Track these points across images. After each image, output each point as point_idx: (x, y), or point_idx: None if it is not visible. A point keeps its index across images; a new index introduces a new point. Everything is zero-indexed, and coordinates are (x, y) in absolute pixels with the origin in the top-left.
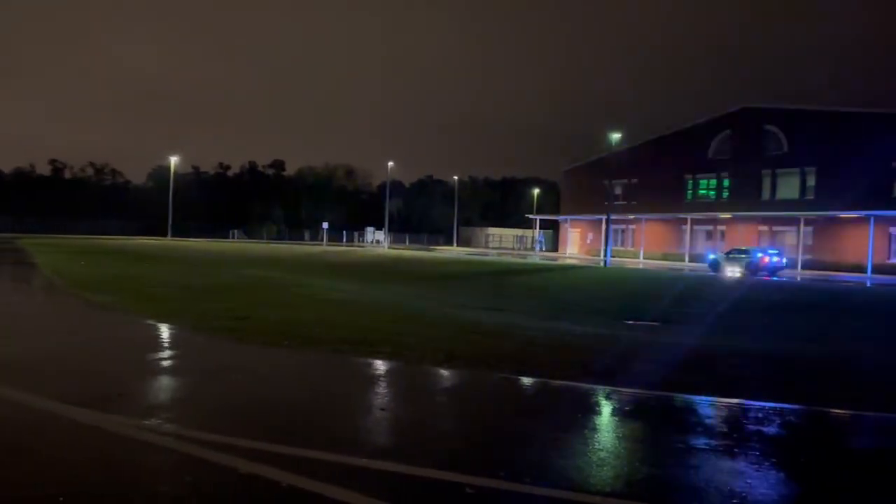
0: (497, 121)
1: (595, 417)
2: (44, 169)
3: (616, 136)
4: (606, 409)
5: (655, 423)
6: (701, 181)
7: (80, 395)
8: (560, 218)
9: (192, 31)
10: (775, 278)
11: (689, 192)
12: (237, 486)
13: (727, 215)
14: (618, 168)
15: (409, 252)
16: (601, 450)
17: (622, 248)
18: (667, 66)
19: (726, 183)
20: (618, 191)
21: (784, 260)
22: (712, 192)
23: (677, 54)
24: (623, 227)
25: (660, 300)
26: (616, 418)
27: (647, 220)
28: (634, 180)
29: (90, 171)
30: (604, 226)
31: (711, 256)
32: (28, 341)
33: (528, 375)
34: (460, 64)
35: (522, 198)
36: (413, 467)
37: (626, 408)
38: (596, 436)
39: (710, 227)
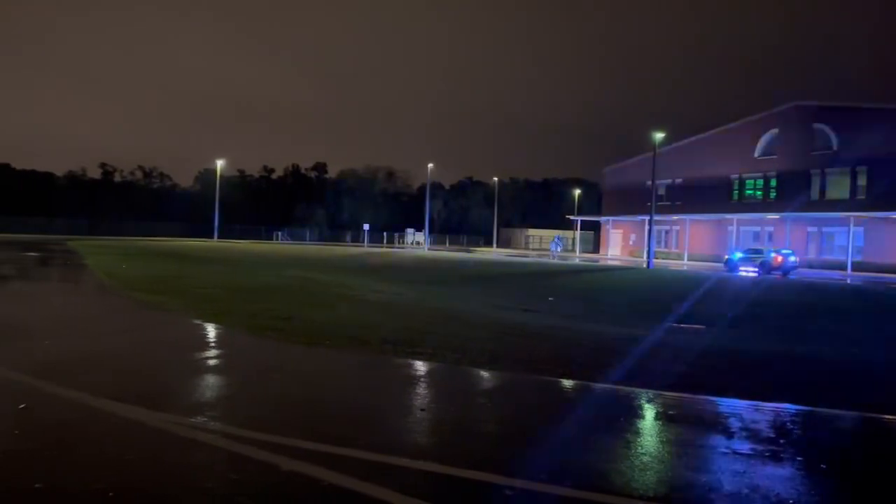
0: (538, 122)
1: (637, 421)
2: (94, 172)
3: (659, 136)
4: (649, 412)
5: (699, 428)
6: (747, 181)
7: (130, 392)
8: (602, 219)
9: (236, 37)
10: (790, 276)
11: (735, 192)
12: (279, 484)
13: (775, 216)
14: (661, 168)
15: (448, 253)
16: (643, 454)
17: (666, 250)
18: (710, 64)
19: (773, 183)
20: (661, 191)
21: (797, 259)
22: (759, 193)
23: (720, 53)
24: (667, 228)
25: (704, 302)
26: (659, 422)
27: (691, 220)
28: (678, 180)
29: (139, 175)
30: (646, 227)
31: (726, 257)
32: (80, 341)
33: (569, 378)
34: (501, 65)
35: (563, 199)
36: (453, 468)
37: (670, 412)
38: (638, 440)
39: (758, 228)
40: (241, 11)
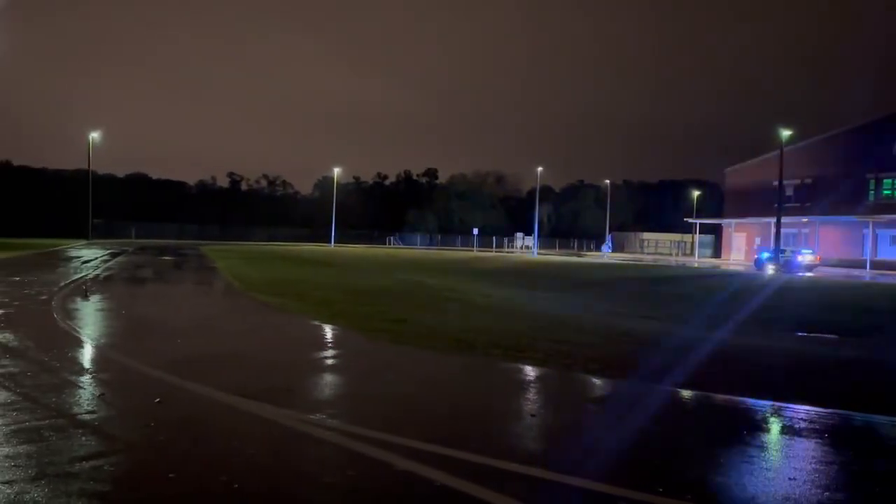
0: (654, 121)
1: (762, 435)
2: (223, 181)
3: (786, 133)
4: (775, 426)
5: (831, 444)
6: (885, 181)
7: (255, 389)
8: (723, 221)
9: (349, 54)
10: (808, 274)
11: (871, 192)
12: (393, 482)
13: None
14: (788, 167)
15: (558, 258)
16: (768, 469)
17: None
18: (838, 63)
19: None
20: (788, 192)
21: (818, 258)
22: None
23: (849, 52)
24: (795, 230)
25: (836, 310)
26: (786, 436)
27: (822, 223)
28: (808, 180)
29: (264, 183)
30: (772, 229)
31: (755, 256)
32: (210, 339)
33: (686, 388)
34: (614, 65)
35: (681, 201)
36: (565, 475)
37: (797, 426)
38: (763, 454)
39: None
40: (352, 30)
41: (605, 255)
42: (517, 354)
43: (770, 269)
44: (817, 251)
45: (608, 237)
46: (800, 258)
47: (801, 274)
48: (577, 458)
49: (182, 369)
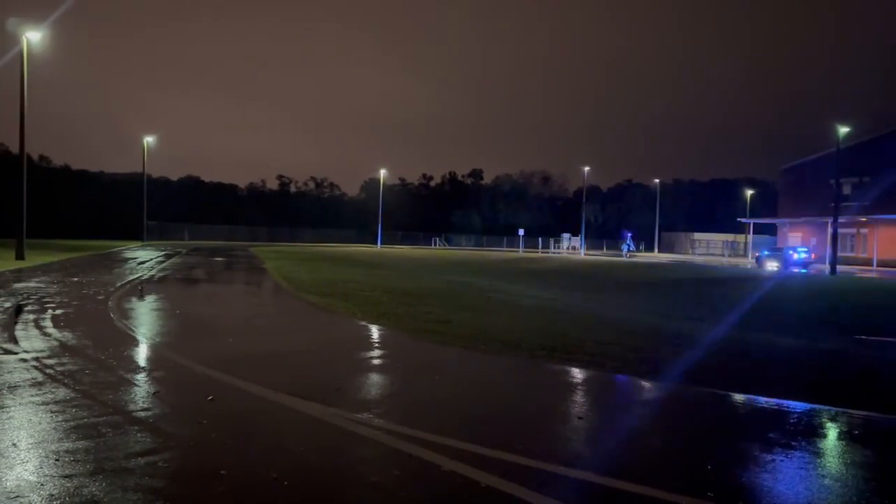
0: (705, 118)
1: (818, 441)
2: (273, 184)
3: (844, 130)
4: (831, 432)
5: (885, 450)
6: None
7: (303, 388)
8: (778, 221)
9: (395, 58)
10: (803, 271)
11: None
12: (439, 483)
13: None
14: (846, 165)
15: (605, 258)
16: (824, 476)
17: (852, 255)
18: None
19: None
20: (846, 190)
21: (811, 256)
22: None
23: None
24: (853, 230)
25: (873, 309)
26: (843, 443)
27: (882, 222)
28: (866, 178)
29: (312, 185)
30: (829, 229)
31: (756, 254)
32: (260, 339)
33: (737, 391)
34: (665, 61)
35: (733, 200)
36: (612, 479)
37: (856, 432)
38: (818, 461)
39: None
40: (398, 32)
41: (625, 254)
42: (563, 356)
43: (769, 266)
44: (812, 250)
45: (628, 236)
46: (797, 256)
47: (800, 271)
48: (624, 461)
49: (233, 368)
